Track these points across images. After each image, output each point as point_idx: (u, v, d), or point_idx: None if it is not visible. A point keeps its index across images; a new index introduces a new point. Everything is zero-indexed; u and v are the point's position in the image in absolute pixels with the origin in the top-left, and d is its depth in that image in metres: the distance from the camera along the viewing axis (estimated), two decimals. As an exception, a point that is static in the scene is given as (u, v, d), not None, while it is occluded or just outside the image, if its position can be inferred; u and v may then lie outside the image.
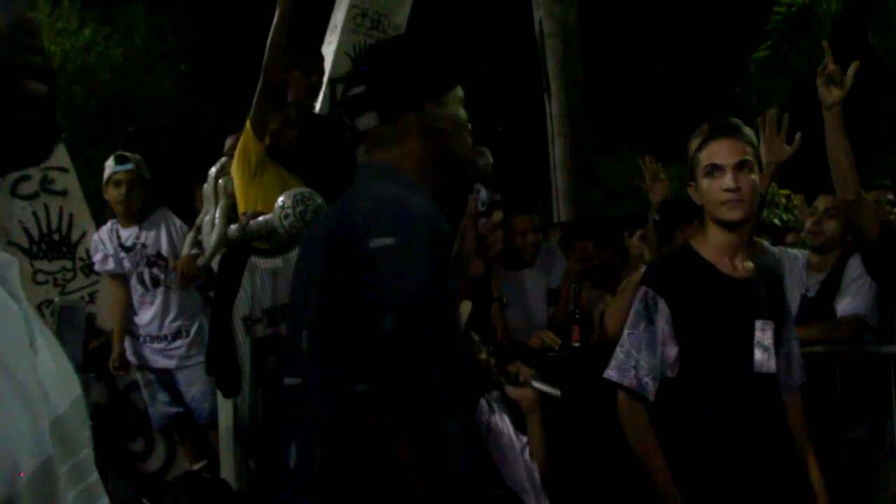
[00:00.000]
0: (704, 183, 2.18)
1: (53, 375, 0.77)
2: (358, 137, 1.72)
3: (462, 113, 1.74)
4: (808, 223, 3.52)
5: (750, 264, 2.24)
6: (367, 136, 1.70)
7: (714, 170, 2.15)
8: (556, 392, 2.51)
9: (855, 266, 3.33)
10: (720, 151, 2.15)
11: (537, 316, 3.92)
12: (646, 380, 2.13)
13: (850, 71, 2.81)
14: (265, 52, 3.44)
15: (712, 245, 2.22)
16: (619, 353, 2.18)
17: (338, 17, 5.04)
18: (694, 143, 2.23)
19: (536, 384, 2.55)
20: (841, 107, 2.85)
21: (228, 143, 4.04)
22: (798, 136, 2.81)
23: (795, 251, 3.66)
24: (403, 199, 1.58)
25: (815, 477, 2.24)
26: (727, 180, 2.12)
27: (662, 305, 2.15)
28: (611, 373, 2.17)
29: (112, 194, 4.11)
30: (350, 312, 1.49)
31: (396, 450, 1.43)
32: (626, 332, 2.19)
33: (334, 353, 1.52)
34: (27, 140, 0.78)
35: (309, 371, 1.57)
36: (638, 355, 2.14)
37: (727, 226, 2.18)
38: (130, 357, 4.20)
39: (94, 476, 0.81)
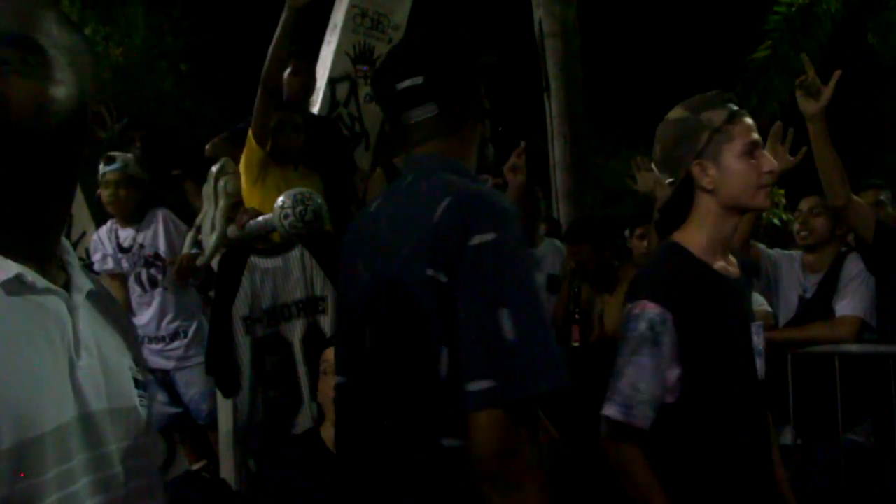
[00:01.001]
0: (740, 164, 1.83)
1: (94, 380, 0.92)
2: (404, 130, 1.65)
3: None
4: (796, 225, 3.54)
5: (734, 259, 1.97)
6: (419, 128, 1.63)
7: (755, 149, 1.84)
8: None
9: (852, 265, 3.33)
10: (753, 128, 1.85)
11: None
12: (650, 413, 1.78)
13: (831, 82, 2.80)
14: (267, 60, 3.44)
15: (708, 240, 1.88)
16: (621, 387, 1.79)
17: (337, 17, 5.03)
18: (718, 115, 1.85)
19: None
20: (823, 117, 2.85)
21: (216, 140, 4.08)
22: (803, 150, 2.86)
23: (792, 251, 3.67)
24: (485, 193, 1.53)
25: (784, 487, 2.02)
26: (771, 160, 1.86)
27: (670, 322, 1.78)
28: (612, 411, 1.79)
29: (102, 195, 4.10)
30: (443, 309, 1.44)
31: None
32: (624, 358, 1.80)
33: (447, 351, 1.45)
34: None
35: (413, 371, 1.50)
36: (644, 386, 1.77)
37: (744, 214, 1.95)
38: (129, 357, 4.19)
39: (118, 469, 0.92)
